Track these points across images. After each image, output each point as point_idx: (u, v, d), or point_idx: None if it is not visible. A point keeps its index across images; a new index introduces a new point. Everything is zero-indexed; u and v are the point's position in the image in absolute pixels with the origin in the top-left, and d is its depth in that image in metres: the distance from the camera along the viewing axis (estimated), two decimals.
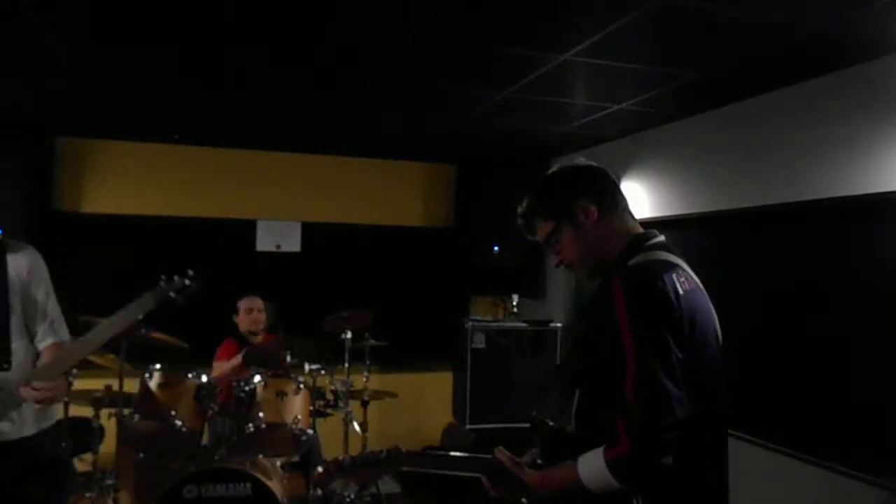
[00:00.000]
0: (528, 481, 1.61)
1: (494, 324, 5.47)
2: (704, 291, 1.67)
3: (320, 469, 1.77)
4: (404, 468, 1.70)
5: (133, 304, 2.31)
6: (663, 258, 1.63)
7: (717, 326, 1.67)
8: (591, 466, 1.49)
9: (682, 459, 1.45)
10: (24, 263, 2.28)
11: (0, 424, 2.18)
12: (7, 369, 2.18)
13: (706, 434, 1.56)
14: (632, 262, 1.62)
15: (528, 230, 1.83)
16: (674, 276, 1.56)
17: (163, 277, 2.41)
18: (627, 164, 4.62)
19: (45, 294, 2.34)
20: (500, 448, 1.68)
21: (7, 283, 2.22)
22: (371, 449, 1.75)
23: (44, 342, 2.34)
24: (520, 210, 1.83)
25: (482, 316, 5.78)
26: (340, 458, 1.74)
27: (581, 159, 1.86)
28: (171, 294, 2.39)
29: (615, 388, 1.48)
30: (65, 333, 2.41)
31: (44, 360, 2.29)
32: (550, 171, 1.83)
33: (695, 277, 1.66)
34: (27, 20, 2.76)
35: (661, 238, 1.72)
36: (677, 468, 1.44)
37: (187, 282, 2.41)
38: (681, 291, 1.53)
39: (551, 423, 1.72)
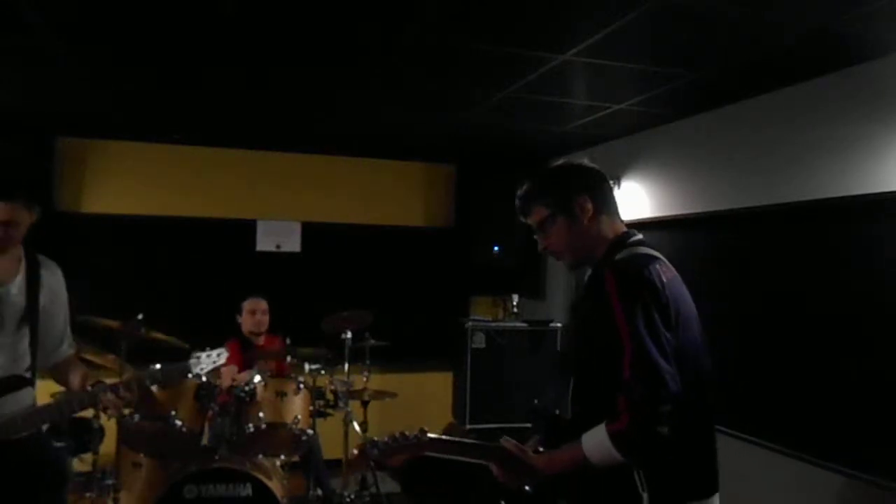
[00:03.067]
0: (534, 464, 1.73)
1: (494, 324, 5.46)
2: (681, 281, 1.80)
3: (355, 451, 1.88)
4: (427, 453, 1.80)
5: (175, 366, 2.42)
6: (646, 252, 1.76)
7: (696, 312, 1.78)
8: (595, 441, 1.60)
9: (676, 434, 1.55)
10: (52, 285, 2.36)
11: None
12: (32, 384, 2.23)
13: (694, 411, 1.66)
14: (618, 256, 1.76)
15: (523, 212, 1.93)
16: (657, 266, 1.70)
17: (196, 354, 2.50)
18: (627, 164, 4.62)
19: (64, 314, 2.44)
20: (506, 437, 1.80)
21: (39, 301, 2.29)
22: (402, 432, 1.83)
23: (57, 352, 2.42)
24: (519, 192, 1.93)
25: (482, 316, 5.77)
26: (375, 438, 1.85)
27: (584, 160, 1.98)
28: (201, 370, 2.47)
29: (611, 371, 1.60)
30: (72, 344, 2.50)
31: (72, 366, 2.39)
32: (556, 163, 1.97)
33: (672, 269, 1.79)
34: (27, 20, 2.77)
35: (641, 236, 1.86)
36: (673, 442, 1.55)
37: (216, 361, 2.49)
38: (664, 280, 1.68)
39: (550, 410, 1.87)
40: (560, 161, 1.95)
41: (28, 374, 2.24)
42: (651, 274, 1.65)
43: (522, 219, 1.94)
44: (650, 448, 1.56)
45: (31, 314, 2.26)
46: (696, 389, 1.65)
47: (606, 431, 1.57)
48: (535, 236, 1.92)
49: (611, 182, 1.95)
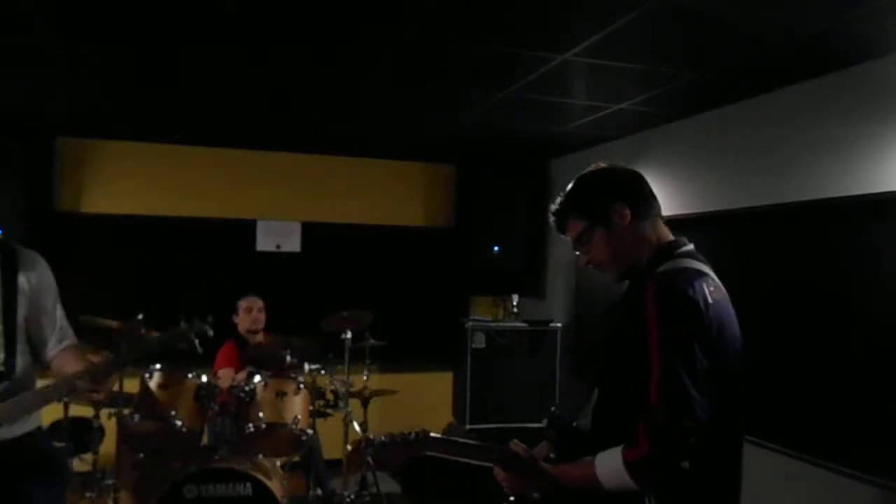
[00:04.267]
0: (545, 471, 1.65)
1: (494, 324, 5.46)
2: (729, 300, 1.68)
3: (349, 447, 1.82)
4: (428, 452, 1.74)
5: (159, 336, 2.43)
6: (693, 266, 1.64)
7: (740, 336, 1.68)
8: (609, 466, 1.52)
9: (698, 463, 1.48)
10: (33, 272, 2.32)
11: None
12: (9, 377, 2.21)
13: (723, 439, 1.59)
14: (662, 268, 1.64)
15: (560, 228, 1.83)
16: (704, 284, 1.58)
17: (183, 319, 2.50)
18: (627, 164, 4.59)
19: (53, 302, 2.39)
20: (516, 441, 1.73)
21: (17, 290, 2.25)
22: (402, 432, 1.78)
23: (58, 347, 2.39)
24: (553, 208, 1.83)
25: (482, 316, 5.77)
26: (372, 436, 1.79)
27: (618, 162, 1.86)
28: (192, 337, 2.50)
29: (636, 390, 1.51)
30: (73, 337, 2.45)
31: (68, 357, 2.37)
32: (586, 171, 1.84)
33: (721, 287, 1.67)
34: (27, 20, 2.76)
35: (691, 246, 1.74)
36: (693, 471, 1.47)
37: (208, 328, 2.47)
38: (710, 300, 1.55)
39: (568, 420, 1.76)
40: (590, 167, 1.83)
41: (2, 369, 2.22)
42: (695, 292, 1.53)
43: (560, 235, 1.84)
44: (667, 480, 1.48)
45: (6, 309, 2.22)
46: (727, 416, 1.57)
47: (622, 457, 1.49)
48: (576, 251, 1.82)
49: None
